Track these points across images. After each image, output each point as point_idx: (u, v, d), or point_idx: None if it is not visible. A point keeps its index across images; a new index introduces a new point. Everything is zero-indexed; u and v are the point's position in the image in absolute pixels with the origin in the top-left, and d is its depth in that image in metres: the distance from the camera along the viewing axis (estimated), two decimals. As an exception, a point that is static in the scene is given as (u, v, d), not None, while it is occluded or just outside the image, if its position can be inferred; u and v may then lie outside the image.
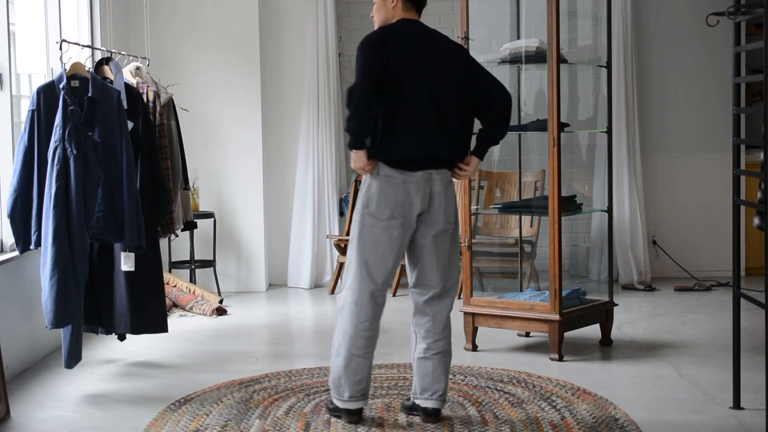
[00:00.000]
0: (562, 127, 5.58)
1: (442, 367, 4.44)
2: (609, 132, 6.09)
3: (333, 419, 4.47)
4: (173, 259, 7.85)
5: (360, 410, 4.44)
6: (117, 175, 5.07)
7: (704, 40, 8.30)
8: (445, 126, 4.31)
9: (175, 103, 6.48)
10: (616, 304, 6.06)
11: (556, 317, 5.54)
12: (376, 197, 4.26)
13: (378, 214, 4.26)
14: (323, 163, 8.21)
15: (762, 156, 4.26)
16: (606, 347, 5.91)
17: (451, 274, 4.44)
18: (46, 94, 5.00)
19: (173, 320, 6.84)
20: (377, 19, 4.43)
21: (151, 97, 5.83)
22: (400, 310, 7.04)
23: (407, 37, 4.33)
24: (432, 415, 4.45)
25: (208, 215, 7.77)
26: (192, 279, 7.68)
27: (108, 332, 5.55)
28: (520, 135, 6.36)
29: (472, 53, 5.74)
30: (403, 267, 7.81)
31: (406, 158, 4.26)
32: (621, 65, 8.07)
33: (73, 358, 5.01)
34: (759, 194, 4.35)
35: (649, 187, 8.45)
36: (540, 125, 5.86)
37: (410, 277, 4.49)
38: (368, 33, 4.37)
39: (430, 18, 8.63)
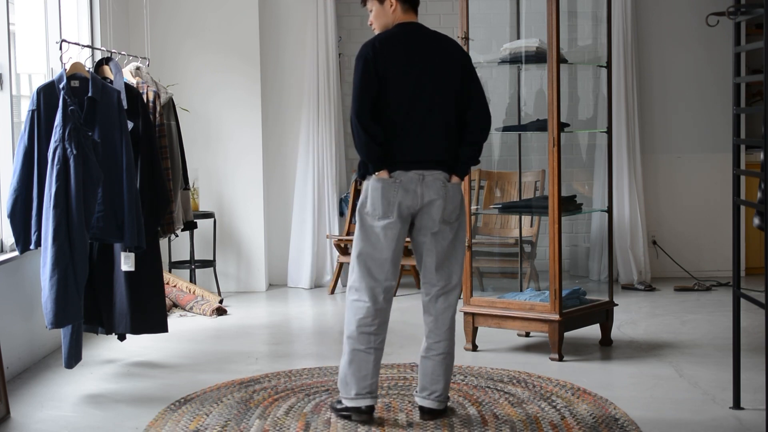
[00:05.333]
0: (562, 127, 5.58)
1: (441, 369, 4.46)
2: (609, 132, 6.09)
3: (333, 419, 4.47)
4: (173, 259, 7.85)
5: (370, 408, 4.43)
6: (117, 175, 5.07)
7: (704, 40, 8.30)
8: (438, 129, 4.39)
9: (175, 103, 6.48)
10: (616, 304, 6.06)
11: (556, 317, 5.54)
12: (371, 197, 4.36)
13: (373, 213, 4.36)
14: (323, 163, 8.21)
15: (762, 156, 4.26)
16: (606, 347, 5.91)
17: (453, 273, 4.48)
18: (46, 94, 4.99)
19: (173, 320, 6.83)
20: (377, 25, 4.47)
21: (151, 97, 5.83)
22: (400, 310, 7.04)
23: (405, 42, 4.39)
24: (428, 414, 4.47)
25: (208, 215, 7.78)
26: (192, 279, 7.68)
27: (108, 332, 5.55)
28: (520, 135, 6.37)
29: (472, 53, 5.76)
30: (413, 267, 7.86)
31: (400, 161, 4.34)
32: (621, 65, 8.07)
33: (73, 358, 5.01)
34: (759, 194, 4.35)
35: (649, 187, 8.45)
36: (540, 125, 5.87)
37: (420, 275, 4.58)
38: (368, 40, 4.43)
39: (430, 18, 8.72)
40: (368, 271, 4.39)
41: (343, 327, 4.50)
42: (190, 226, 6.64)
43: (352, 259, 4.46)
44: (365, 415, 4.42)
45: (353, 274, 4.45)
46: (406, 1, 4.43)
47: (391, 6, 4.42)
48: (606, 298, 6.01)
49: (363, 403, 4.42)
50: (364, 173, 4.40)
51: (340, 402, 4.50)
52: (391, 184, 4.33)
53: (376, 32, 4.48)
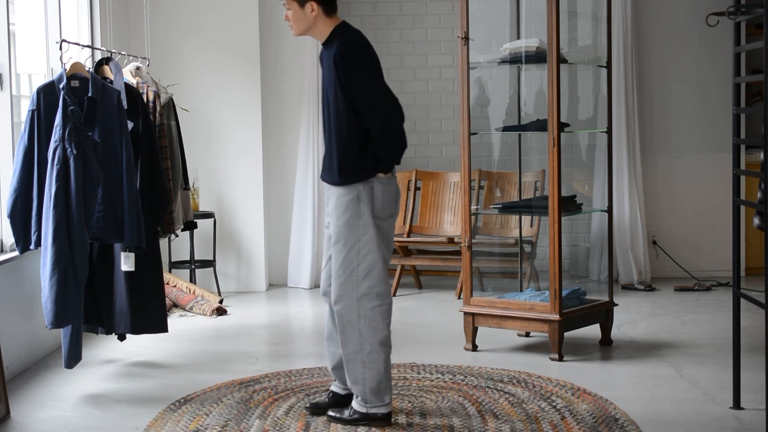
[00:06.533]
0: (562, 127, 5.58)
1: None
2: (609, 132, 6.09)
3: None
4: (173, 259, 7.85)
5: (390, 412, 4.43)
6: (117, 175, 5.07)
7: (704, 40, 8.30)
8: None
9: (175, 103, 6.48)
10: (616, 304, 6.06)
11: (556, 317, 5.54)
12: (381, 198, 4.30)
13: (382, 213, 4.32)
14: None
15: (762, 156, 4.27)
16: (606, 347, 5.91)
17: None
18: (46, 94, 5.00)
19: (173, 320, 6.83)
20: (296, 28, 4.29)
21: (151, 97, 5.83)
22: (399, 310, 7.04)
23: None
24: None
25: (208, 215, 7.77)
26: (192, 279, 7.68)
27: (108, 332, 5.55)
28: (520, 135, 6.36)
29: (472, 53, 5.78)
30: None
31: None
32: (621, 65, 8.07)
33: (73, 358, 5.01)
34: (759, 194, 4.35)
35: (649, 187, 8.45)
36: (540, 125, 5.87)
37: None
38: (352, 38, 4.25)
39: (430, 18, 8.74)
40: (385, 271, 4.37)
41: (366, 337, 4.29)
42: (190, 226, 6.64)
43: (371, 266, 4.27)
44: (390, 417, 4.38)
45: (370, 279, 4.27)
46: (329, 5, 4.25)
47: (313, 11, 4.22)
48: (606, 298, 6.01)
49: (391, 405, 4.41)
50: (362, 176, 4.24)
51: (340, 410, 4.42)
52: (393, 181, 4.36)
53: (296, 33, 4.32)
